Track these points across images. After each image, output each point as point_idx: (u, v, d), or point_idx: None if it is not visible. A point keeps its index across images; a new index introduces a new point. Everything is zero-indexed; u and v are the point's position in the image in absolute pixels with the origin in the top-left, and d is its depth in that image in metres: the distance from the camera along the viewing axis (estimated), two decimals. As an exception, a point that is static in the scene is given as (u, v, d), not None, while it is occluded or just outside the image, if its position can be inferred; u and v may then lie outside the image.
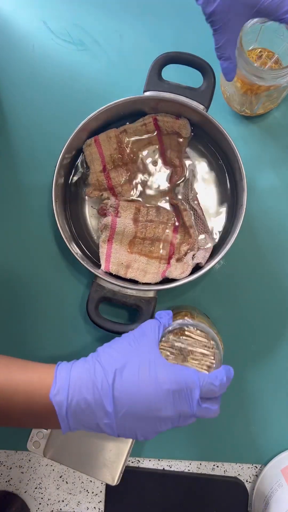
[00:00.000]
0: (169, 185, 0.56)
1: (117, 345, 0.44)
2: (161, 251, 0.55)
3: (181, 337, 0.46)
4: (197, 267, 0.53)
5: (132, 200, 0.56)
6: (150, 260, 0.55)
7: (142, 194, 0.57)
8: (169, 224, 0.56)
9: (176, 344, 0.45)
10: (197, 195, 0.56)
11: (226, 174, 0.56)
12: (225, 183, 0.56)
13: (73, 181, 0.57)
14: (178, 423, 0.42)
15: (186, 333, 0.46)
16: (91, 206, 0.57)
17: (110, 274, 0.54)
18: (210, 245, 0.54)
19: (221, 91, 0.58)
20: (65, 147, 0.52)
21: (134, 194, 0.57)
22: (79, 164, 0.57)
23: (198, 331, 0.46)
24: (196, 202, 0.55)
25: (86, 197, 0.57)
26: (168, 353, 0.45)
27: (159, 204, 0.57)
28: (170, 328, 0.46)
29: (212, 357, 0.46)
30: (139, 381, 0.41)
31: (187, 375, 0.41)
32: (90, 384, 0.41)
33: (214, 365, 0.45)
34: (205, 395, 0.42)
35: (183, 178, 0.56)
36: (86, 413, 0.40)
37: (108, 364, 0.42)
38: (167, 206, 0.57)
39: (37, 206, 0.59)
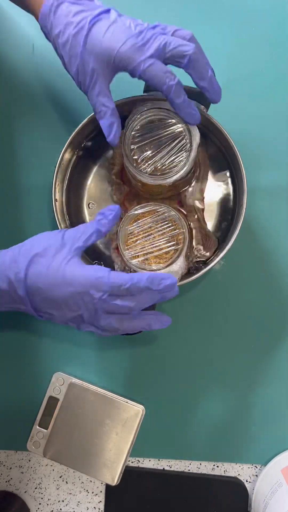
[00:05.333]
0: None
1: (40, 235, 0.46)
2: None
3: (133, 223, 0.49)
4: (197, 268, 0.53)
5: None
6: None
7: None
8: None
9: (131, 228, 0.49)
10: (203, 197, 0.55)
11: (227, 174, 0.56)
12: (225, 183, 0.56)
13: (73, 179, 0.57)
14: (88, 320, 0.43)
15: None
16: (90, 206, 0.58)
17: None
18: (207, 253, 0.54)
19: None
20: (65, 147, 0.53)
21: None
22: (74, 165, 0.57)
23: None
24: (199, 209, 0.55)
25: (85, 197, 0.57)
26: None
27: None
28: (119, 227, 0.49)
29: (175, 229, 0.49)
30: (48, 276, 0.42)
31: (93, 276, 0.41)
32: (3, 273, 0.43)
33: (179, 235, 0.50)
34: (116, 293, 0.41)
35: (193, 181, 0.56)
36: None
37: (25, 252, 0.44)
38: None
39: (37, 206, 0.59)
